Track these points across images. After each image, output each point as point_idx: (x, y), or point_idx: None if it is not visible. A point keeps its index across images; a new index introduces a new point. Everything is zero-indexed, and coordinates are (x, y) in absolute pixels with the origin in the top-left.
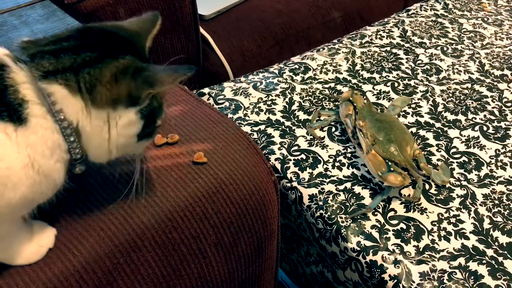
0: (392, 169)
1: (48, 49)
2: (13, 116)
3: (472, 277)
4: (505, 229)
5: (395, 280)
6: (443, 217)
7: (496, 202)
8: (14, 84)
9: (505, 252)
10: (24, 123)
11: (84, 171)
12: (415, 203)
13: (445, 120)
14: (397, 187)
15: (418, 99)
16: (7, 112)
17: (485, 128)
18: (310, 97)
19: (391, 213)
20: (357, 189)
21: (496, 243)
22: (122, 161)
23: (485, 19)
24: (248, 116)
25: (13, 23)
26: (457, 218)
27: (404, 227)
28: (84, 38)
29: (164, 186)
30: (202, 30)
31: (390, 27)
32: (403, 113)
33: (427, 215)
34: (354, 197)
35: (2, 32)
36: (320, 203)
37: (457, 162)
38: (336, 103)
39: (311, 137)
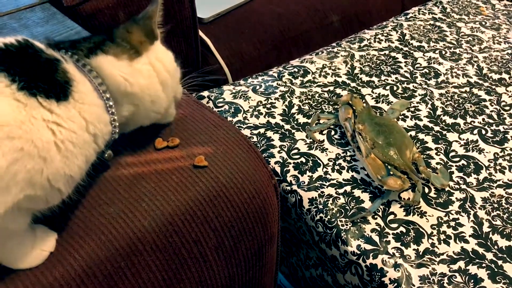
0: (391, 172)
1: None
2: (59, 92)
3: (472, 281)
4: (505, 233)
5: (395, 284)
6: (442, 221)
7: (495, 205)
8: (61, 62)
9: (505, 255)
10: (68, 98)
11: (112, 156)
12: (415, 207)
13: (444, 123)
14: (397, 190)
15: (417, 102)
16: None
17: (483, 132)
18: (309, 101)
19: (391, 217)
20: (357, 192)
21: (496, 247)
22: (122, 165)
23: (483, 23)
24: (248, 119)
25: (12, 26)
26: (457, 221)
27: (404, 230)
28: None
29: (165, 189)
30: (201, 33)
31: (389, 30)
32: (402, 116)
33: (426, 218)
34: (354, 201)
35: (1, 35)
36: (320, 206)
37: (456, 166)
38: (336, 106)
39: (311, 140)
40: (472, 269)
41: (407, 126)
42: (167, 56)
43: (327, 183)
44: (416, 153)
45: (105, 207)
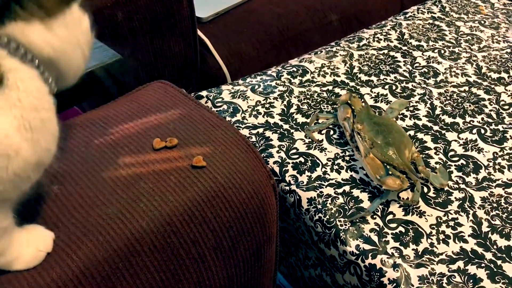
0: (390, 172)
1: None
2: None
3: (471, 281)
4: (504, 232)
5: (394, 284)
6: (441, 220)
7: (495, 205)
8: None
9: (504, 255)
10: (2, 82)
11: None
12: (414, 206)
13: (443, 123)
14: (396, 190)
15: (416, 102)
16: None
17: (482, 131)
18: (308, 100)
19: (390, 216)
20: (356, 192)
21: (495, 246)
22: (120, 165)
23: (482, 22)
24: (246, 119)
25: None
26: (456, 221)
27: (403, 230)
28: None
29: (163, 190)
30: (199, 33)
31: (388, 30)
32: (401, 116)
33: (425, 218)
34: (353, 201)
35: None
36: (319, 206)
37: (455, 165)
38: (334, 106)
39: (310, 140)
40: (471, 269)
41: (406, 125)
42: (84, 22)
43: (326, 183)
44: (415, 153)
45: (103, 208)
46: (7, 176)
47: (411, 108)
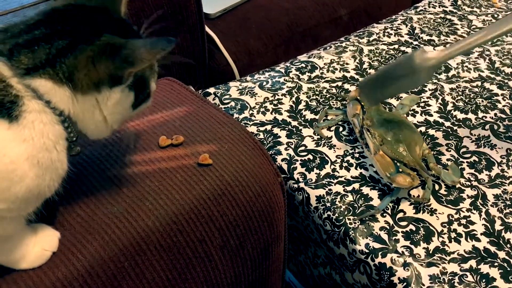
0: (400, 170)
1: (22, 41)
2: (9, 113)
3: (484, 280)
4: None
5: (405, 283)
6: (453, 219)
7: (508, 202)
8: (5, 79)
9: None
10: (19, 119)
11: (80, 152)
12: (425, 204)
13: (454, 119)
14: (406, 188)
15: (427, 97)
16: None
17: (495, 127)
18: (317, 96)
19: (400, 214)
20: (366, 190)
21: (508, 245)
22: (126, 163)
23: (495, 15)
24: (254, 116)
25: None
26: (468, 219)
27: (414, 228)
28: (54, 22)
29: (169, 188)
30: (207, 29)
31: (398, 24)
32: (412, 111)
33: (437, 216)
34: (362, 198)
35: None
36: (328, 204)
37: (467, 162)
38: (344, 102)
39: (318, 137)
40: (484, 268)
41: (417, 121)
42: (121, 106)
43: (335, 181)
44: (426, 150)
45: (109, 207)
46: (9, 197)
47: (422, 104)
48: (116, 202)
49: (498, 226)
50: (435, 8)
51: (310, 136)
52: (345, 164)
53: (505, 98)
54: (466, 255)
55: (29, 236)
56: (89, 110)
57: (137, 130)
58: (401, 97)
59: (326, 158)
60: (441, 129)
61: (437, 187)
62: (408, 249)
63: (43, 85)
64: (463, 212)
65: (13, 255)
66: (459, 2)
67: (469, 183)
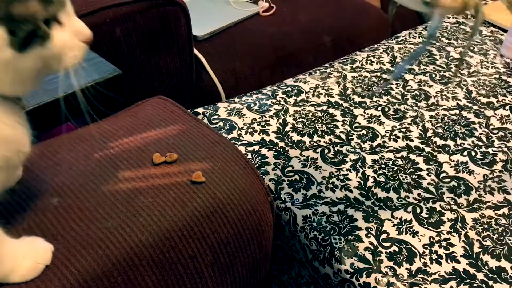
0: None
1: None
2: None
3: None
4: (495, 253)
5: None
6: (434, 240)
7: (485, 226)
8: None
9: (495, 276)
10: None
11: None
12: (407, 227)
13: (434, 145)
14: (457, 11)
15: (408, 124)
16: None
17: (473, 154)
18: (303, 119)
19: (384, 236)
20: (350, 211)
21: (486, 267)
22: (120, 179)
23: (471, 48)
24: (242, 136)
25: None
26: (448, 241)
27: (397, 249)
28: None
29: (162, 204)
30: (195, 51)
31: (380, 53)
32: (394, 136)
33: (418, 238)
34: (347, 219)
35: None
36: (314, 224)
37: (447, 187)
38: (329, 125)
39: (305, 158)
40: None
41: (399, 146)
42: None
43: (321, 201)
44: None
45: (103, 221)
46: None
47: (403, 130)
48: (110, 217)
49: (476, 248)
50: (415, 38)
51: (297, 157)
52: (330, 186)
53: (481, 126)
54: (447, 276)
55: (18, 249)
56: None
57: (131, 146)
58: (384, 122)
59: (312, 179)
60: (422, 154)
61: (418, 210)
62: (392, 269)
63: None
64: (444, 234)
65: (4, 267)
66: (438, 34)
67: (449, 207)
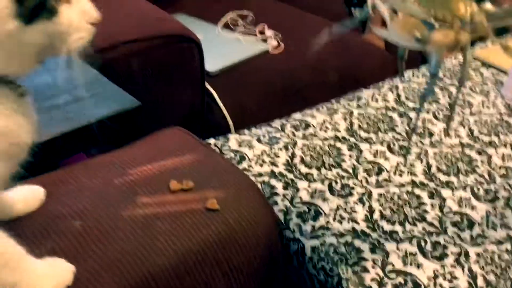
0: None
1: None
2: None
3: None
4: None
5: None
6: (438, 273)
7: (488, 261)
8: None
9: None
10: None
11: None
12: (412, 259)
13: (438, 180)
14: (449, 49)
15: (413, 160)
16: None
17: (475, 190)
18: (311, 152)
19: (390, 267)
20: (357, 243)
21: None
22: (139, 205)
23: (472, 88)
24: (252, 167)
25: None
26: (452, 274)
27: (402, 281)
28: None
29: (178, 230)
30: (207, 85)
31: (385, 91)
32: (399, 171)
33: (423, 270)
34: (354, 250)
35: None
36: (322, 255)
37: (450, 221)
38: (336, 159)
39: (313, 190)
40: None
41: (404, 181)
42: None
43: (329, 232)
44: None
45: (121, 243)
46: None
47: (408, 165)
48: (129, 240)
49: (481, 282)
50: (418, 78)
51: (305, 188)
52: (338, 217)
53: (483, 164)
54: None
55: (39, 268)
56: None
57: (149, 174)
58: (389, 157)
59: (320, 210)
60: (426, 189)
61: (423, 243)
62: None
63: None
64: (448, 267)
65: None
66: (440, 75)
67: (453, 241)
